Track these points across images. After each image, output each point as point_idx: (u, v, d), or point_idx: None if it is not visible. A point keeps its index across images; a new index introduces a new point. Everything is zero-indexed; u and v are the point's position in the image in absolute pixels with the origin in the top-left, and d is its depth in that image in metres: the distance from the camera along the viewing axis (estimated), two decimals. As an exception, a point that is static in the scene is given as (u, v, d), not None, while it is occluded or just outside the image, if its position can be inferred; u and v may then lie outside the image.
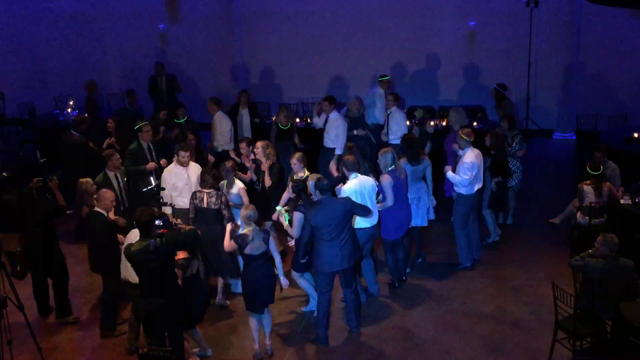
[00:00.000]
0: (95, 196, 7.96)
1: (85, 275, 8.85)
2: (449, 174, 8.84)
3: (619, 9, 12.72)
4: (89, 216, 7.75)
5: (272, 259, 7.27)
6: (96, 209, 7.69)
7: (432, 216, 9.00)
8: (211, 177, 8.12)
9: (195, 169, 8.97)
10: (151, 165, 9.58)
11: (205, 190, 8.09)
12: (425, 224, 8.93)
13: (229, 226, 7.40)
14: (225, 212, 8.08)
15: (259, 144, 9.05)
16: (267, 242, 7.03)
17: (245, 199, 8.45)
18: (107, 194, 7.71)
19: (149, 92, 13.78)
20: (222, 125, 11.40)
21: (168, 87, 13.53)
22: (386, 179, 8.13)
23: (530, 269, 9.04)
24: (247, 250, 6.98)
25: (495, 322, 7.85)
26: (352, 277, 7.57)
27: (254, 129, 12.06)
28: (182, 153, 8.94)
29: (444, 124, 11.69)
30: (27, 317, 6.76)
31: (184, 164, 8.93)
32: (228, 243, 7.21)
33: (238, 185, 8.57)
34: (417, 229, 8.95)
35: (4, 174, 10.38)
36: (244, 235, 6.96)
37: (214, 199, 8.03)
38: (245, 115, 12.08)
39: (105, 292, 7.78)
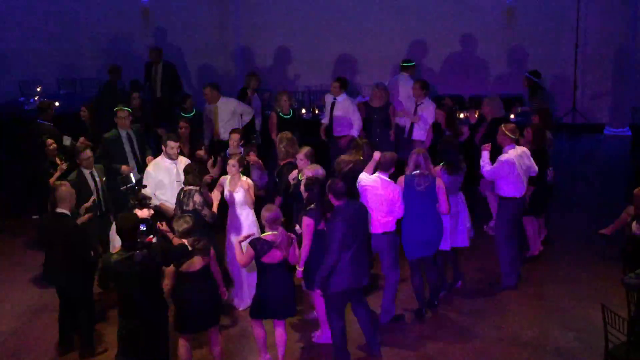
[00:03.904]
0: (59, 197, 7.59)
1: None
2: (485, 154, 8.70)
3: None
4: (53, 220, 7.60)
5: (293, 268, 7.32)
6: (60, 210, 7.54)
7: (466, 242, 8.80)
8: (195, 177, 8.07)
9: (185, 163, 8.78)
10: (125, 168, 9.47)
11: (188, 188, 8.06)
12: (467, 243, 8.79)
13: (237, 239, 7.35)
14: (205, 212, 7.97)
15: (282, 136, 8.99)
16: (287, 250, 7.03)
17: (250, 200, 8.30)
18: (66, 190, 7.56)
19: (145, 81, 13.72)
20: (225, 113, 11.35)
21: (165, 78, 13.44)
22: (399, 184, 8.14)
23: (576, 288, 9.03)
24: (267, 259, 6.93)
25: (535, 351, 7.83)
26: (362, 294, 7.61)
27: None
28: (170, 143, 8.81)
29: (475, 116, 11.70)
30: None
31: (173, 157, 8.83)
32: (243, 256, 7.04)
33: (247, 182, 8.44)
34: (454, 250, 8.80)
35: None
36: (266, 241, 6.91)
37: (194, 199, 7.97)
38: (255, 100, 12.11)
39: (82, 309, 7.69)
